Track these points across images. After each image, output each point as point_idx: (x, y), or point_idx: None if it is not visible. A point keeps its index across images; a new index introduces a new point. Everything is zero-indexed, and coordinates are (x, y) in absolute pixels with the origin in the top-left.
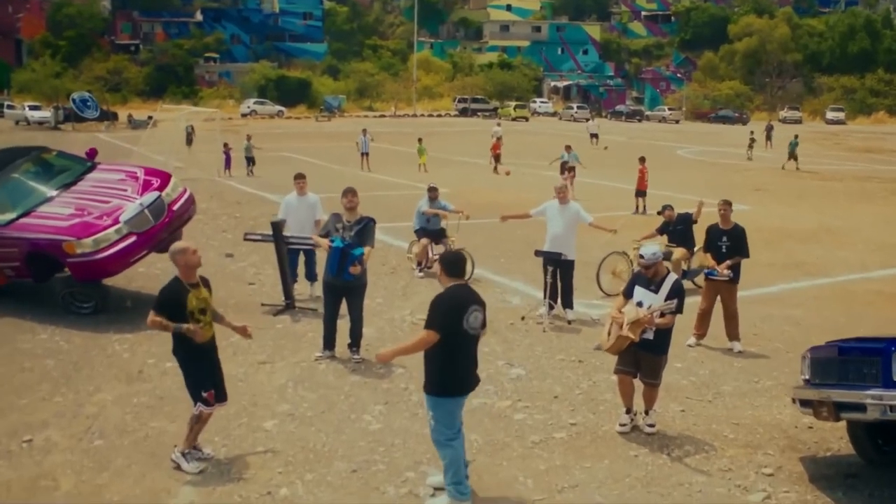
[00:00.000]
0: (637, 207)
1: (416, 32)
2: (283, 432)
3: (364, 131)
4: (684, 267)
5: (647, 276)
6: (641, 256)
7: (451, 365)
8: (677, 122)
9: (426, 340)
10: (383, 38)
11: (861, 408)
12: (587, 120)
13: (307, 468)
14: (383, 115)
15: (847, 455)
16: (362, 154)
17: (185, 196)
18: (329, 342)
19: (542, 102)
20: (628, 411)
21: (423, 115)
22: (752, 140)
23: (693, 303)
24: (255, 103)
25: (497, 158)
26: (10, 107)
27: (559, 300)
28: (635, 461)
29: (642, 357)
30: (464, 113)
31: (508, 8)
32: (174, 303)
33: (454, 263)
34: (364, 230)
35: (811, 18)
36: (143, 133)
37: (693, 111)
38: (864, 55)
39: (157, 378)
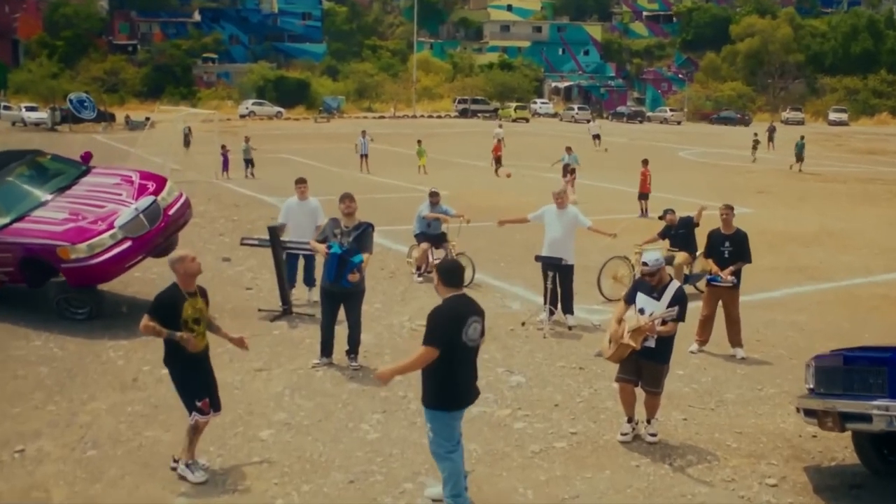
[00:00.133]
0: (642, 210)
1: (416, 33)
2: (279, 442)
3: (363, 133)
4: (686, 271)
5: (650, 284)
6: (645, 263)
7: (450, 378)
8: (679, 123)
9: (426, 357)
10: (383, 38)
11: (867, 418)
12: (588, 121)
13: (303, 479)
14: (383, 117)
15: (852, 465)
16: (361, 156)
17: (181, 200)
18: (326, 349)
19: (542, 103)
20: (630, 420)
21: (422, 116)
22: (756, 142)
23: (695, 308)
24: (253, 104)
25: (498, 160)
26: (6, 108)
27: (559, 306)
28: (637, 471)
29: (644, 365)
30: (464, 114)
31: (509, 8)
32: (169, 309)
33: (452, 273)
34: (363, 236)
35: (814, 19)
36: (140, 134)
37: (697, 112)
38: (866, 56)
39: (151, 386)
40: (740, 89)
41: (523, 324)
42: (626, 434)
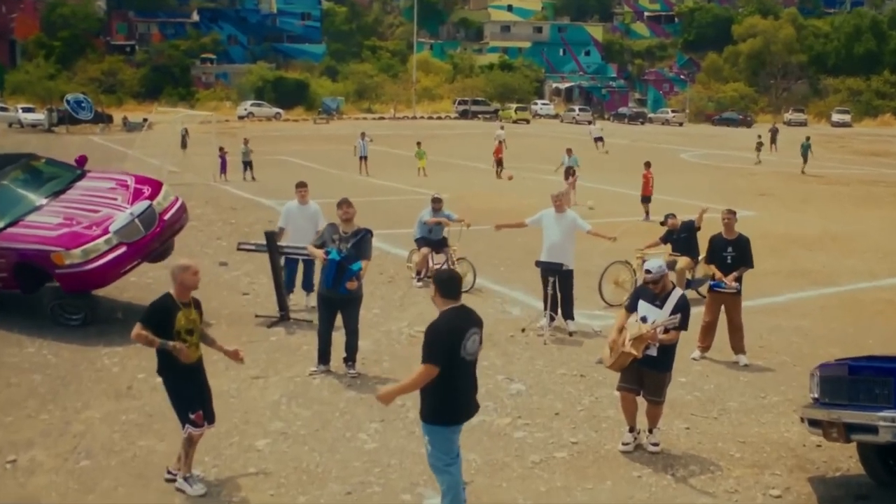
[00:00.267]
0: (647, 214)
1: (416, 33)
2: (275, 452)
3: (362, 135)
4: (688, 276)
5: (653, 291)
6: (648, 271)
7: (448, 393)
8: (681, 124)
9: (426, 375)
10: (382, 38)
11: (872, 430)
12: (589, 123)
13: (300, 490)
14: (382, 118)
15: (857, 475)
16: (361, 158)
17: (177, 205)
18: (324, 356)
19: (543, 104)
20: (631, 430)
21: (422, 118)
22: (760, 144)
23: (697, 314)
24: (252, 105)
25: (499, 162)
26: (3, 109)
27: (559, 311)
28: (639, 482)
29: (646, 374)
30: (464, 115)
31: (509, 8)
32: (162, 319)
33: (449, 283)
34: (361, 242)
35: (816, 19)
36: (138, 136)
37: (701, 113)
38: (870, 56)
39: (146, 394)
40: (742, 90)
41: (523, 330)
42: (627, 444)
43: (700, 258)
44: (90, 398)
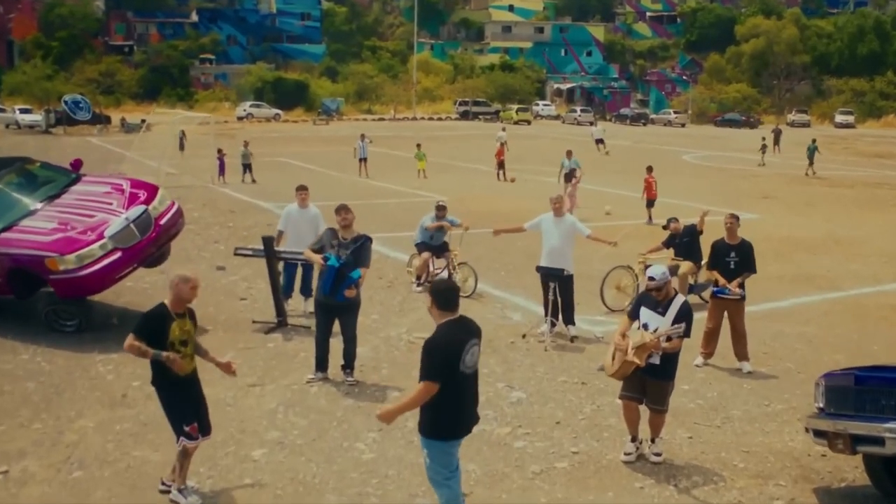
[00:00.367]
0: (650, 218)
1: (416, 33)
2: (271, 462)
3: (362, 136)
4: (691, 281)
5: (655, 298)
6: (651, 278)
7: (448, 408)
8: (683, 125)
9: (426, 393)
10: (383, 38)
11: (879, 441)
12: (591, 124)
13: (296, 502)
14: (382, 119)
15: (863, 486)
16: (360, 160)
17: (173, 210)
18: (321, 363)
19: (544, 105)
20: (634, 439)
21: (423, 119)
22: (765, 145)
23: (699, 320)
24: (251, 106)
25: (501, 165)
26: (0, 110)
27: (560, 317)
28: (641, 493)
29: (648, 383)
30: (465, 116)
31: (510, 8)
32: (156, 329)
33: (446, 295)
34: (361, 250)
35: (819, 19)
36: (136, 137)
37: (705, 114)
38: (873, 57)
39: (141, 402)
40: (745, 91)
41: (524, 336)
42: (629, 454)
43: (703, 262)
44: (84, 407)
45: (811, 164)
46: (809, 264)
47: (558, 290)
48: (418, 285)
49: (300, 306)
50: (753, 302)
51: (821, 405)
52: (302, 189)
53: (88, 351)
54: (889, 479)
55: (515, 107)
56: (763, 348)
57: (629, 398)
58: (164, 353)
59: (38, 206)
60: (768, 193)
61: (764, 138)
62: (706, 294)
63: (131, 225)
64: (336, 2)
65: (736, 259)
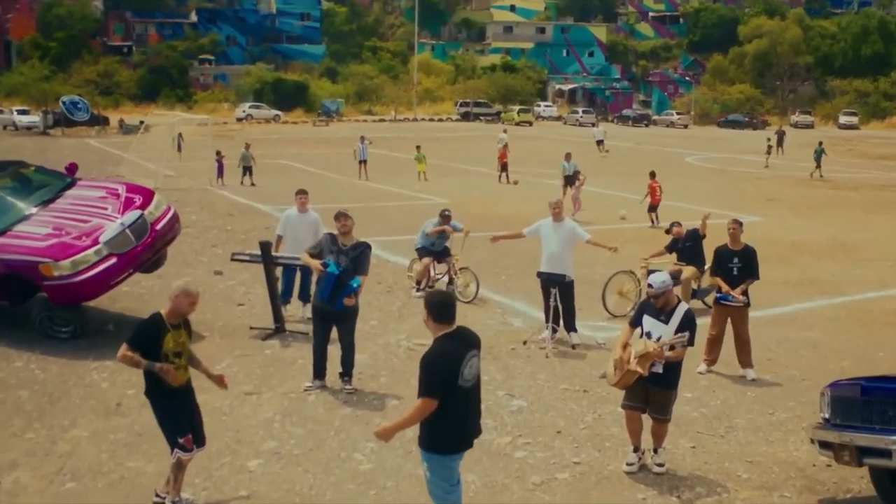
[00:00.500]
0: (652, 222)
1: (417, 34)
2: (267, 473)
3: (362, 138)
4: (694, 286)
5: (657, 306)
6: (650, 285)
7: (447, 422)
8: (685, 126)
9: (425, 409)
10: (383, 39)
11: (886, 454)
12: (592, 125)
13: None
14: (383, 120)
15: (869, 497)
16: (360, 162)
17: (169, 214)
18: (319, 371)
19: (546, 106)
20: (636, 450)
21: (423, 120)
22: (770, 147)
23: (702, 325)
24: (250, 107)
25: (504, 167)
26: None
27: (561, 323)
28: None
29: (651, 391)
30: (466, 117)
31: (512, 9)
32: (150, 340)
33: (442, 307)
34: (361, 258)
35: (823, 20)
36: (134, 139)
37: (710, 115)
38: (877, 58)
39: (136, 411)
40: (748, 92)
41: (525, 342)
42: (631, 464)
43: (706, 267)
44: (78, 416)
45: (818, 166)
46: (814, 269)
47: (559, 296)
48: (417, 290)
49: (298, 312)
50: (757, 307)
51: (826, 416)
52: (301, 193)
53: (83, 358)
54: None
55: (517, 108)
56: (767, 355)
57: (631, 407)
58: (158, 365)
59: (33, 210)
60: (772, 196)
61: (769, 139)
62: (709, 299)
63: (127, 230)
64: (336, 2)
65: (739, 265)
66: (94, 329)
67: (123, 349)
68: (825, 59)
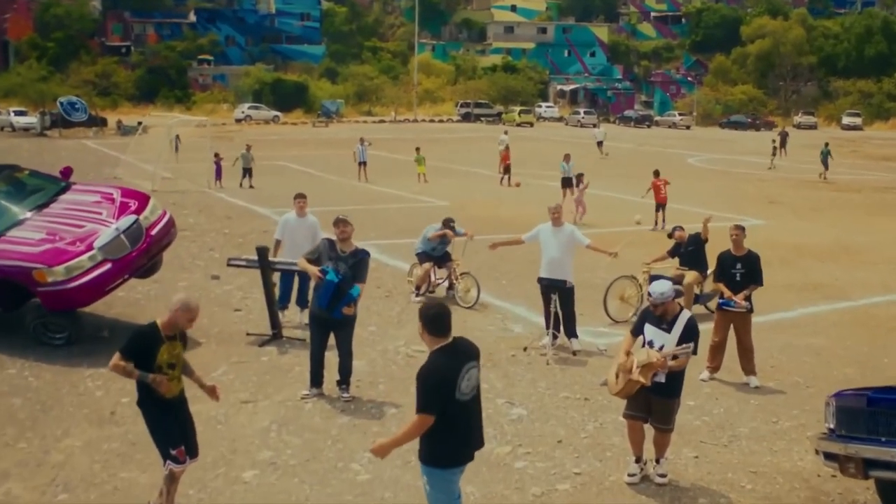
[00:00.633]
0: (656, 223)
1: (417, 34)
2: (263, 484)
3: (361, 140)
4: (697, 291)
5: (658, 314)
6: (650, 295)
7: (446, 436)
8: (688, 127)
9: (421, 425)
10: (383, 39)
11: (893, 466)
12: (594, 126)
13: None
14: (383, 121)
15: None
16: (360, 164)
17: (165, 219)
18: (316, 379)
19: (547, 107)
20: (638, 460)
21: (423, 121)
22: (775, 148)
23: (705, 331)
24: (249, 108)
25: (507, 169)
26: None
27: (562, 329)
28: None
29: (654, 401)
30: (466, 118)
31: (513, 9)
32: (144, 351)
33: (437, 321)
34: (360, 265)
35: (826, 20)
36: (132, 140)
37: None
38: (881, 58)
39: (130, 420)
40: (751, 93)
41: (525, 349)
42: (633, 475)
43: (709, 272)
44: (71, 425)
45: (826, 168)
46: (817, 272)
47: (559, 302)
48: (417, 296)
49: (296, 317)
50: (760, 312)
51: (831, 426)
52: (300, 197)
53: (77, 365)
54: None
55: (518, 108)
56: (771, 361)
57: (634, 417)
58: (151, 376)
59: (27, 215)
60: (774, 198)
61: (774, 141)
62: (712, 304)
63: (121, 235)
64: (336, 2)
65: (742, 271)
66: (89, 335)
67: (116, 358)
68: (828, 60)
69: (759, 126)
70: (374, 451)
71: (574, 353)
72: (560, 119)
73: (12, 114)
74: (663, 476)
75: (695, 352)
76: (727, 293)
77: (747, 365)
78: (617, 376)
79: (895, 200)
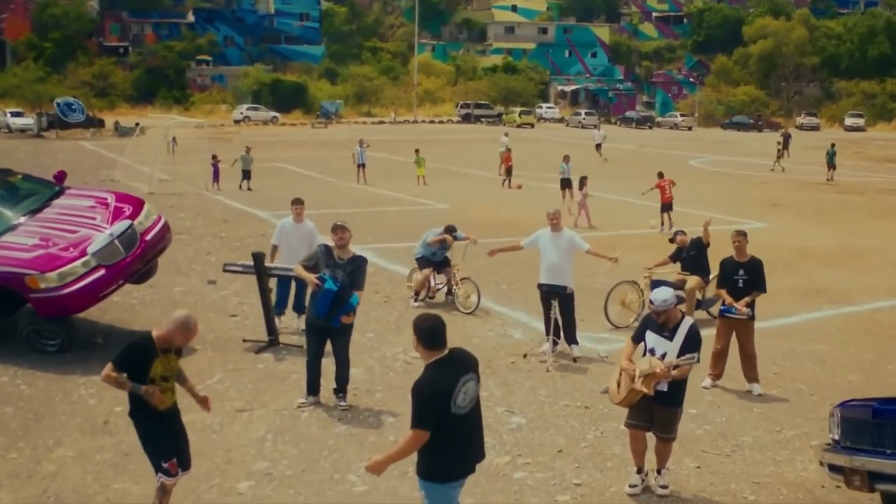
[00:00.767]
0: (663, 224)
1: (417, 34)
2: (258, 496)
3: (361, 142)
4: (699, 296)
5: (660, 322)
6: (652, 302)
7: (443, 450)
8: (690, 128)
9: (416, 441)
10: (383, 39)
11: None
12: (595, 128)
13: None
14: (382, 122)
15: None
16: (359, 166)
17: (160, 224)
18: (313, 387)
19: (548, 108)
20: (639, 471)
21: (423, 122)
22: (780, 151)
23: (707, 337)
24: (248, 109)
25: (509, 171)
26: None
27: (562, 336)
28: None
29: (656, 409)
30: (466, 119)
31: (513, 9)
32: (138, 364)
33: (431, 333)
34: (358, 272)
35: (829, 20)
36: (129, 141)
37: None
38: (884, 59)
39: (123, 430)
40: (753, 93)
41: (525, 356)
42: (634, 486)
43: (711, 277)
44: (63, 434)
45: (833, 169)
46: (821, 276)
47: (559, 308)
48: (416, 301)
49: (293, 323)
50: (763, 317)
51: (836, 437)
52: (297, 203)
53: (70, 372)
54: None
55: (518, 109)
56: (774, 368)
57: (636, 426)
58: (144, 388)
59: (20, 220)
60: (777, 200)
61: (779, 143)
62: (714, 309)
63: (115, 241)
64: (335, 2)
65: (745, 277)
66: (83, 341)
67: (108, 369)
68: (831, 60)
69: (762, 127)
70: (369, 467)
71: (574, 360)
72: (561, 120)
73: (9, 115)
74: (665, 487)
75: (698, 360)
76: (728, 300)
77: (750, 372)
78: (618, 385)
79: None
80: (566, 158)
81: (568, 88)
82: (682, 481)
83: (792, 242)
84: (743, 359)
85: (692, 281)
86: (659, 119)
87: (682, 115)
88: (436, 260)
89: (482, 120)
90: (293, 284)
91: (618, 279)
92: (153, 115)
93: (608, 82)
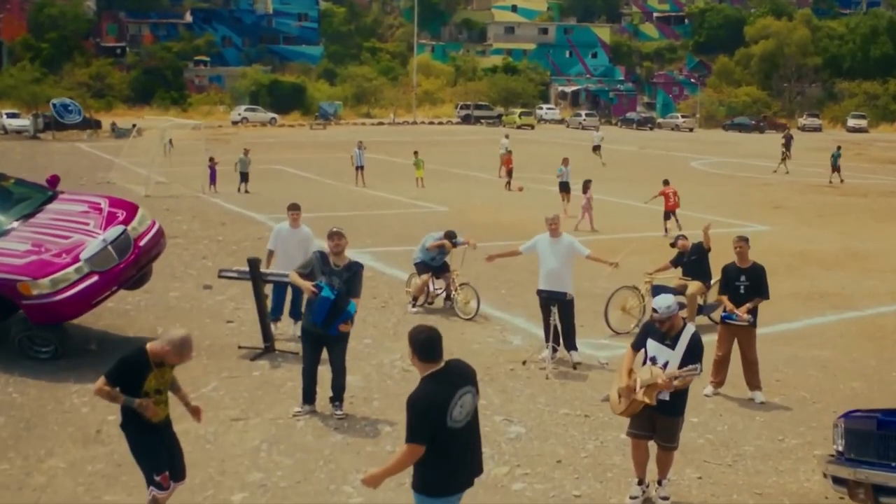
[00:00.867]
0: (666, 230)
1: (417, 34)
2: None
3: (359, 144)
4: (700, 301)
5: (662, 330)
6: (655, 310)
7: (439, 464)
8: (691, 130)
9: (412, 455)
10: (382, 40)
11: None
12: (595, 129)
13: None
14: (381, 123)
15: None
16: (357, 168)
17: (154, 229)
18: (309, 396)
19: (548, 109)
20: (640, 482)
21: (423, 123)
22: (784, 153)
23: (709, 343)
24: (246, 110)
25: (510, 173)
26: None
27: (561, 342)
28: None
29: (658, 419)
30: (466, 120)
31: (514, 9)
32: (132, 378)
33: (427, 346)
34: (354, 279)
35: (831, 20)
36: (125, 143)
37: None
38: (887, 59)
39: (116, 440)
40: (755, 94)
41: (524, 363)
42: (635, 497)
43: (713, 282)
44: (55, 444)
45: (839, 171)
46: (823, 280)
47: (559, 314)
48: (414, 307)
49: (289, 329)
50: (765, 322)
51: (840, 449)
52: (294, 209)
53: (63, 380)
54: None
55: (518, 110)
56: (776, 375)
57: (638, 436)
58: (137, 401)
59: (12, 225)
60: (780, 203)
61: (783, 144)
62: (716, 315)
63: (109, 247)
64: (334, 2)
65: (747, 283)
66: (77, 348)
67: (101, 383)
68: (833, 61)
69: (764, 128)
70: (365, 481)
71: (574, 367)
72: (561, 121)
73: (5, 116)
74: (666, 499)
75: (700, 371)
76: (729, 306)
77: (752, 379)
78: (619, 395)
79: None
80: (565, 161)
81: (568, 89)
82: (684, 492)
83: (794, 246)
84: (745, 366)
85: (693, 286)
86: (660, 120)
87: (683, 116)
88: (435, 265)
89: (482, 121)
90: (289, 290)
91: (618, 284)
92: (150, 117)
93: (609, 83)
